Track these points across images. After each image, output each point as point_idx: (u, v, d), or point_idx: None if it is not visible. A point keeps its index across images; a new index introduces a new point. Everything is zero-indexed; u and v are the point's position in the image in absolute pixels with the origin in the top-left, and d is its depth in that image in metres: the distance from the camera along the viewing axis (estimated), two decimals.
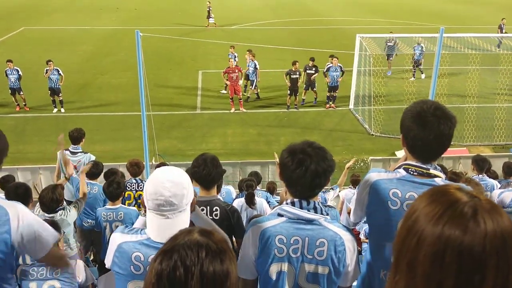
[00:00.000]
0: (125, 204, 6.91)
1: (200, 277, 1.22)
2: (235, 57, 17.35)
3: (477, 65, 14.58)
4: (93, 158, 7.66)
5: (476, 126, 13.58)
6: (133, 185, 6.99)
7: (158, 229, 2.18)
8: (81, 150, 7.66)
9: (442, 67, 12.47)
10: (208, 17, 30.09)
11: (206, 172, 3.45)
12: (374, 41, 15.87)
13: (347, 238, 2.35)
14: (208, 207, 3.55)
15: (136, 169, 7.08)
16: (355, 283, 2.63)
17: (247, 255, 2.40)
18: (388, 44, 18.87)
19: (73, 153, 7.60)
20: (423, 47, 18.12)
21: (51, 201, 5.09)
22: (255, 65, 16.91)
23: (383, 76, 18.22)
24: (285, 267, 2.33)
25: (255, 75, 16.98)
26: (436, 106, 2.44)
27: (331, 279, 2.35)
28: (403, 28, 27.59)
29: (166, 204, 2.13)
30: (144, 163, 7.71)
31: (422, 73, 18.94)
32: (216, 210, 3.56)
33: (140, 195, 6.92)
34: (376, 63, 15.48)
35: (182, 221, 2.20)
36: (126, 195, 6.97)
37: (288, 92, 16.42)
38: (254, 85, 17.15)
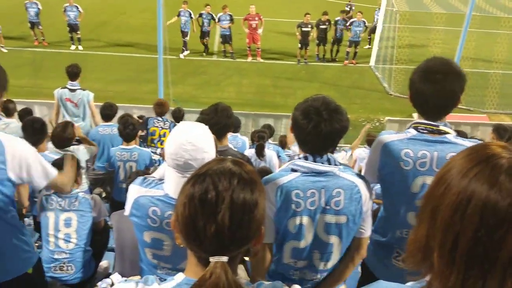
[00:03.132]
0: (148, 140, 7.09)
1: (230, 203, 1.25)
2: (190, 14, 15.95)
3: (508, 30, 14.02)
4: (92, 95, 7.59)
5: (500, 93, 13.22)
6: (159, 122, 7.13)
7: (176, 186, 2.13)
8: (79, 87, 7.58)
9: (471, 30, 12.01)
10: None
11: (214, 121, 3.37)
12: None
13: (362, 185, 2.32)
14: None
15: (163, 109, 7.22)
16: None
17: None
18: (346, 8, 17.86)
19: (71, 90, 7.50)
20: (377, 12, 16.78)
21: (61, 139, 5.15)
22: (190, 14, 16.05)
23: (408, 34, 17.67)
24: (303, 220, 2.31)
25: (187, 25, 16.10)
26: (442, 62, 2.43)
27: (348, 228, 2.34)
28: None
29: (185, 165, 2.11)
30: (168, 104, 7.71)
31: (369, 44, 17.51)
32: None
33: (165, 133, 7.07)
34: (402, 21, 14.98)
35: None
36: (151, 131, 7.12)
37: (299, 45, 16.04)
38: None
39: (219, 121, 3.41)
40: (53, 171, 2.63)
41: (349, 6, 17.71)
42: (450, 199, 1.06)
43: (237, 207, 1.26)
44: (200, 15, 16.05)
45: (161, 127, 7.12)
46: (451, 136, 2.44)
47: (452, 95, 2.38)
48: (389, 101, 14.10)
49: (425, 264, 1.13)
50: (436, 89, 2.36)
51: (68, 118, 7.61)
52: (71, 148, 5.25)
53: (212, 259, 1.24)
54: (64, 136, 5.16)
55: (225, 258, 1.25)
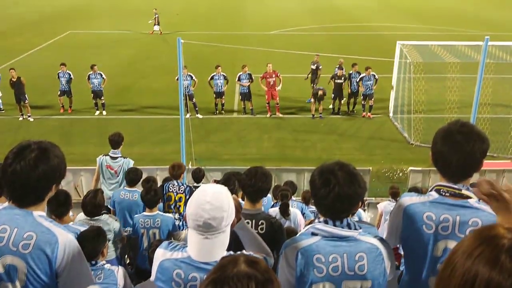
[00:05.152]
0: (165, 205, 7.08)
1: None
2: (192, 77, 16.31)
3: None
4: (132, 162, 7.75)
5: None
6: (175, 187, 7.13)
7: (198, 248, 2.23)
8: (120, 155, 7.77)
9: (486, 76, 12.08)
10: (155, 24, 29.14)
11: (250, 184, 3.52)
12: (414, 49, 15.58)
13: (383, 248, 2.34)
14: (254, 221, 3.58)
15: (177, 171, 7.20)
16: None
17: (284, 279, 2.33)
18: (311, 67, 17.80)
19: (113, 158, 7.71)
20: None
21: (93, 207, 5.24)
22: (192, 77, 16.32)
23: (423, 84, 17.85)
24: (326, 286, 2.29)
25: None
26: (463, 124, 2.46)
27: None
28: (445, 35, 26.90)
29: (205, 225, 2.17)
30: (185, 166, 7.79)
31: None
32: (262, 224, 3.58)
33: (181, 197, 7.07)
34: (416, 71, 15.18)
35: (221, 241, 2.24)
36: (167, 196, 7.11)
37: (312, 100, 16.39)
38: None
39: (255, 184, 3.52)
40: (91, 283, 2.66)
41: (315, 65, 17.94)
42: (456, 280, 1.09)
43: None
44: (212, 77, 16.43)
45: (176, 192, 7.12)
46: (473, 201, 2.44)
47: (471, 156, 2.39)
48: (410, 150, 14.06)
49: None
50: (454, 149, 2.39)
51: (105, 185, 7.76)
52: (102, 217, 5.33)
53: None
54: (96, 203, 5.25)
55: None
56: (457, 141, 2.39)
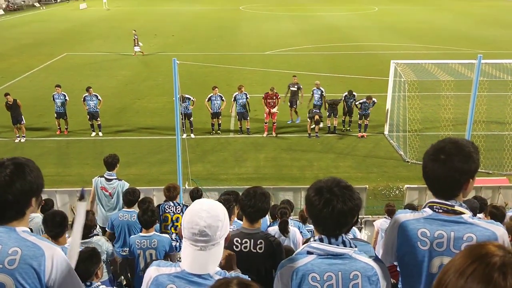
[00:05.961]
0: (162, 226, 7.06)
1: None
2: (189, 98, 16.23)
3: None
4: (127, 185, 7.73)
5: None
6: (171, 207, 7.12)
7: (192, 260, 2.23)
8: (115, 177, 7.75)
9: (480, 93, 12.21)
10: (135, 45, 29.32)
11: (251, 204, 3.54)
12: (408, 67, 15.77)
13: (379, 268, 2.34)
14: (252, 240, 3.58)
15: (173, 192, 7.19)
16: None
17: None
18: (292, 88, 17.70)
19: (108, 179, 7.70)
20: (322, 91, 16.93)
21: (84, 227, 5.20)
22: (189, 98, 16.32)
23: (418, 102, 18.03)
24: None
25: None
26: (451, 142, 2.46)
27: None
28: (439, 54, 27.23)
29: (200, 233, 2.18)
30: (179, 186, 7.79)
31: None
32: (261, 243, 3.58)
33: (178, 218, 7.05)
34: (411, 89, 15.34)
35: (215, 254, 2.25)
36: (163, 217, 7.08)
37: (308, 120, 16.61)
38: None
39: (255, 204, 3.54)
40: None
41: (295, 86, 17.99)
42: None
43: None
44: (209, 98, 16.57)
45: (173, 212, 7.11)
46: (467, 216, 2.45)
47: (453, 176, 2.39)
48: (406, 168, 14.08)
49: None
50: (437, 167, 2.42)
51: (101, 207, 7.72)
52: (94, 239, 5.31)
53: None
54: (86, 223, 5.22)
55: None
56: (439, 159, 2.41)
